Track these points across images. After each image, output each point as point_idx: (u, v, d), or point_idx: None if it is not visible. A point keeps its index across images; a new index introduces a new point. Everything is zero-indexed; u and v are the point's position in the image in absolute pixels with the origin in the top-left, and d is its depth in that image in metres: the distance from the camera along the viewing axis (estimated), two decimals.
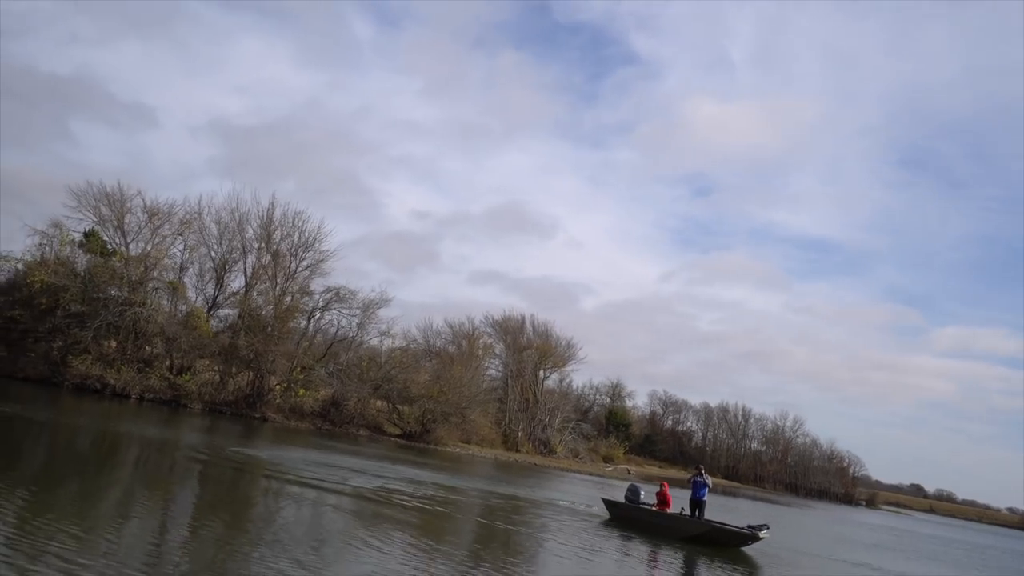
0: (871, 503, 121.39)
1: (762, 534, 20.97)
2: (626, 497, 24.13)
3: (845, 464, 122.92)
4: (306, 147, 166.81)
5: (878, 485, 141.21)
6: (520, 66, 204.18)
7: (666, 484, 24.46)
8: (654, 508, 23.27)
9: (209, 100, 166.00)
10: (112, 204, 46.03)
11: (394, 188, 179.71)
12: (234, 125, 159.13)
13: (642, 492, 24.10)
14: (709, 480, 23.42)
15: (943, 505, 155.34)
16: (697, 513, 22.53)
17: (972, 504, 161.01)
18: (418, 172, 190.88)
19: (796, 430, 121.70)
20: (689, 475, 24.45)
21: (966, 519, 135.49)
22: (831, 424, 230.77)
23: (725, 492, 77.54)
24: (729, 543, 21.12)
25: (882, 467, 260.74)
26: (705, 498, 22.81)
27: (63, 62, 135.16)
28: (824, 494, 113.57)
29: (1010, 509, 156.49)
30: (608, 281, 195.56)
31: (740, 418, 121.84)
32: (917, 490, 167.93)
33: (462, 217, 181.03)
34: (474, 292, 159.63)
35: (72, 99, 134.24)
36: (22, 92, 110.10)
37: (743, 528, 21.55)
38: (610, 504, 24.78)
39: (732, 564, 18.16)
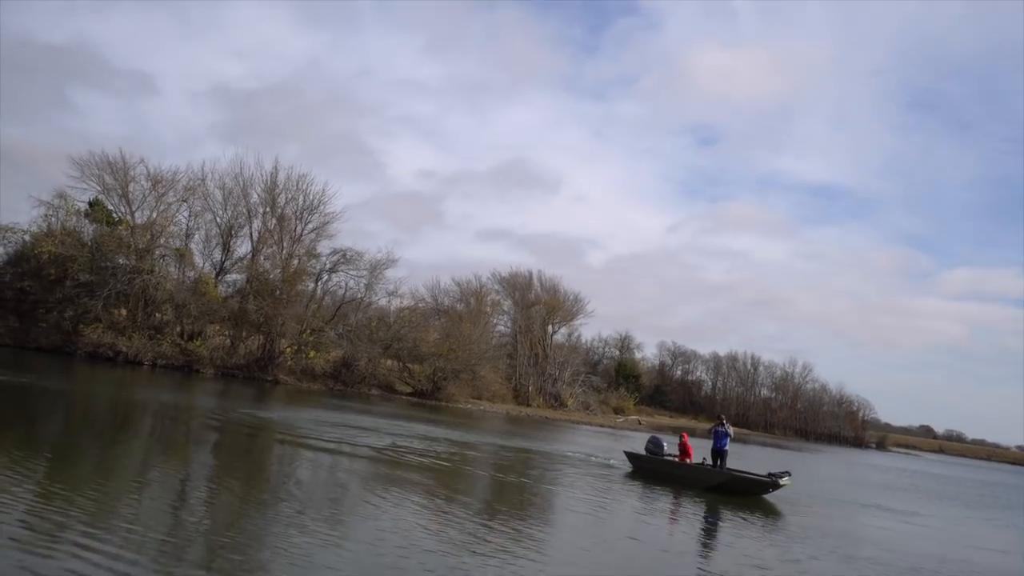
0: (881, 445, 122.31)
1: (783, 481, 20.88)
2: (647, 449, 24.08)
3: (854, 408, 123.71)
4: (308, 109, 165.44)
5: (888, 428, 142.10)
6: (522, 19, 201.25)
7: (686, 435, 24.10)
8: (675, 459, 23.14)
9: (208, 65, 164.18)
10: (115, 173, 45.99)
11: (397, 148, 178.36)
12: (234, 89, 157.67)
13: (664, 444, 23.95)
14: (730, 429, 23.18)
15: (953, 445, 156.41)
16: (719, 463, 22.36)
17: (981, 443, 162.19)
18: (421, 131, 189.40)
19: (805, 376, 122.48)
20: (710, 425, 24.30)
21: (976, 458, 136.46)
22: (840, 369, 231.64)
23: (736, 439, 78.14)
24: (750, 491, 21.10)
25: (892, 410, 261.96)
26: (727, 447, 22.59)
27: (59, 31, 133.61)
28: (834, 438, 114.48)
29: (1019, 447, 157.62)
30: (615, 235, 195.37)
31: (749, 366, 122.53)
32: (927, 431, 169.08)
33: (467, 175, 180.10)
34: (481, 250, 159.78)
35: (70, 68, 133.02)
36: (19, 62, 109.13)
37: (763, 476, 21.49)
38: (632, 456, 24.74)
39: (751, 511, 18.36)
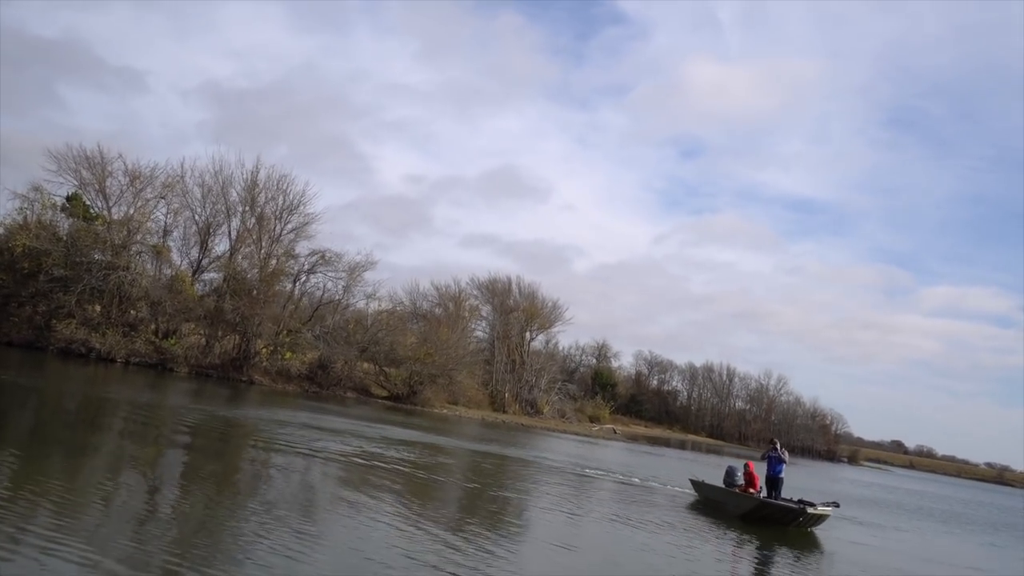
0: (853, 459, 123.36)
1: (821, 509, 19.49)
2: (725, 481, 22.02)
3: (827, 421, 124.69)
4: (299, 111, 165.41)
5: (860, 442, 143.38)
6: (517, 27, 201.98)
7: (752, 464, 21.89)
8: (738, 490, 21.14)
9: (201, 64, 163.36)
10: (93, 167, 45.44)
11: (387, 152, 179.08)
12: (226, 88, 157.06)
13: (738, 474, 21.83)
14: (785, 455, 21.42)
15: (923, 460, 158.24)
16: (774, 493, 20.67)
17: (951, 459, 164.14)
18: (412, 136, 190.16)
19: (780, 389, 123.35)
20: (762, 451, 22.29)
21: (945, 474, 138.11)
22: (815, 383, 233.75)
23: (709, 450, 78.62)
24: (781, 521, 19.44)
25: (864, 424, 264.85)
26: (782, 475, 21.02)
27: (50, 25, 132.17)
28: (807, 451, 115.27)
29: (988, 464, 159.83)
30: (601, 244, 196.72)
31: (725, 377, 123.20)
32: (898, 446, 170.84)
33: (456, 181, 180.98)
34: (466, 255, 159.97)
35: (60, 63, 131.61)
36: (9, 55, 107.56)
37: (794, 503, 19.95)
38: (696, 485, 23.72)
39: (728, 528, 18.43)
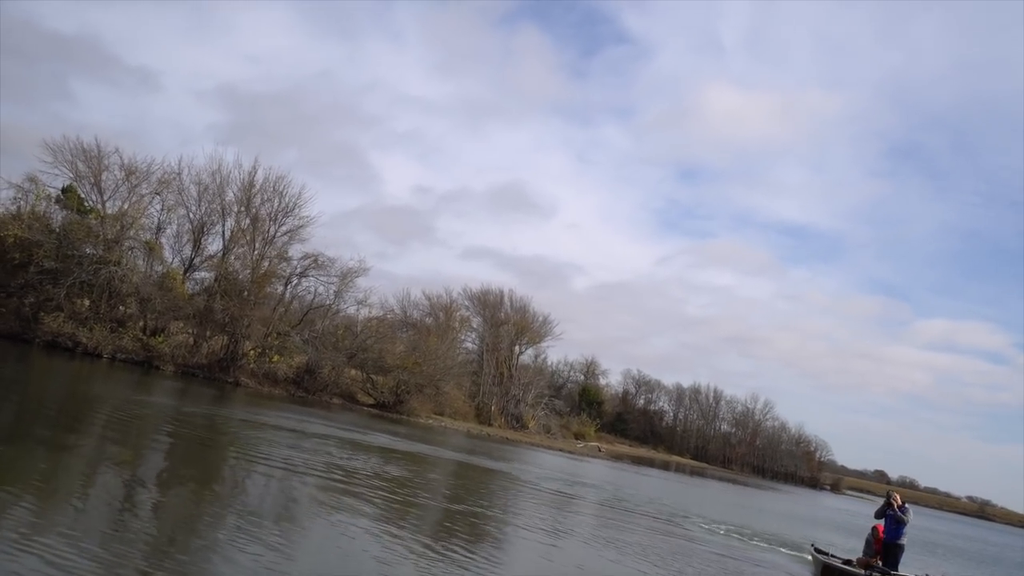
0: (836, 488, 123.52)
1: None
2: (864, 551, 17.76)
3: (812, 448, 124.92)
4: (311, 118, 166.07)
5: (843, 470, 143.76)
6: (531, 44, 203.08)
7: (880, 527, 17.24)
8: (863, 561, 17.20)
9: (217, 67, 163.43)
10: (89, 160, 45.29)
11: (396, 162, 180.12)
12: (241, 92, 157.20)
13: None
14: (909, 514, 16.85)
15: (905, 492, 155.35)
16: (893, 563, 16.70)
17: (933, 492, 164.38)
18: (421, 148, 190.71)
19: (766, 413, 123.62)
20: (880, 507, 17.23)
21: (927, 506, 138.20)
22: (804, 409, 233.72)
23: (694, 472, 78.61)
24: None
25: (849, 453, 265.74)
26: (903, 541, 16.84)
27: (67, 20, 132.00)
28: (790, 477, 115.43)
29: (969, 497, 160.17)
30: (602, 263, 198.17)
31: (711, 400, 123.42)
32: (881, 476, 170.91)
33: (463, 194, 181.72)
34: (466, 267, 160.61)
35: (75, 59, 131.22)
36: (22, 48, 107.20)
37: None
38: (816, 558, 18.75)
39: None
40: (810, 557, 19.32)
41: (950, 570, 27.85)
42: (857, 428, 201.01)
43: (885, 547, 16.75)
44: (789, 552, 21.71)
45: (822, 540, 24.06)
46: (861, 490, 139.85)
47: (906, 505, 16.77)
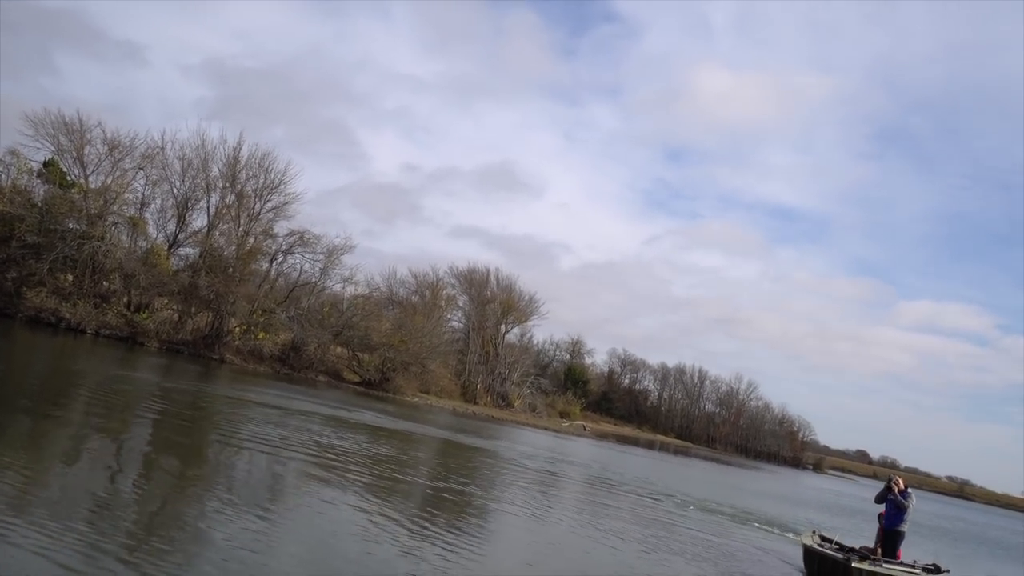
0: (818, 467, 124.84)
1: None
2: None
3: (795, 428, 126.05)
4: (300, 94, 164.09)
5: (825, 450, 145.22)
6: (522, 22, 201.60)
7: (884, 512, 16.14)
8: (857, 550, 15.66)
9: (205, 41, 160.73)
10: (71, 134, 44.68)
11: (384, 140, 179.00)
12: (229, 67, 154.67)
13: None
14: (911, 499, 15.85)
15: (886, 471, 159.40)
16: (893, 550, 15.60)
17: (914, 471, 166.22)
18: (410, 126, 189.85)
19: (750, 393, 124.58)
20: (881, 491, 16.19)
21: (908, 485, 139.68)
22: (786, 389, 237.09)
23: (678, 451, 79.21)
24: None
25: (832, 433, 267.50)
26: (903, 528, 15.76)
27: None
28: (773, 457, 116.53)
29: (949, 477, 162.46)
30: (589, 243, 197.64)
31: (696, 379, 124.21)
32: (862, 456, 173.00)
33: (451, 172, 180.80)
34: (454, 246, 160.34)
35: (60, 32, 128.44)
36: (6, 20, 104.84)
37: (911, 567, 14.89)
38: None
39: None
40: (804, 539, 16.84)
41: (940, 551, 28.23)
42: (840, 408, 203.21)
43: (885, 534, 15.83)
44: (766, 528, 21.96)
45: (802, 519, 24.29)
46: (843, 470, 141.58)
47: (908, 490, 15.85)
